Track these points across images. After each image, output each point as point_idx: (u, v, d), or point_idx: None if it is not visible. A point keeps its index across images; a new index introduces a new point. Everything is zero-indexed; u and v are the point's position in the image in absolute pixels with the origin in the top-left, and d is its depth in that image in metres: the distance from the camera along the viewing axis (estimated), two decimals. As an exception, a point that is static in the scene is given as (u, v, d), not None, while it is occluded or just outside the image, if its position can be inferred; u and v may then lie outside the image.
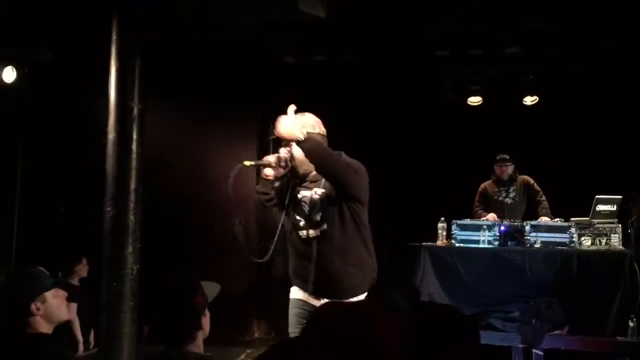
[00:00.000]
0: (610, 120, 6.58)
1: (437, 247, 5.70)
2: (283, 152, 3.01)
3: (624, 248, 5.34)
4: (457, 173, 6.74)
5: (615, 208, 5.45)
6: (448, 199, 6.39)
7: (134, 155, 3.91)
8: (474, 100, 6.87)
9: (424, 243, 5.76)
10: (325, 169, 2.91)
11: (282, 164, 3.00)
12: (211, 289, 2.21)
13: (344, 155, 3.09)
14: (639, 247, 5.40)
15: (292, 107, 2.94)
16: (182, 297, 2.12)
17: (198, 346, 2.08)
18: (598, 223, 5.45)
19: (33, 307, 2.29)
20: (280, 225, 3.04)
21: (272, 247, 3.00)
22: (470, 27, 5.44)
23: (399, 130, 7.08)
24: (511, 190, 6.25)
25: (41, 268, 2.44)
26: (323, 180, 3.01)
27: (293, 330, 3.09)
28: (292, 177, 3.09)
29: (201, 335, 2.11)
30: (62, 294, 2.43)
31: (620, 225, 5.41)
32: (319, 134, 3.03)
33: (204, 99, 6.22)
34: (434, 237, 5.78)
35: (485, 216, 6.03)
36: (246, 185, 3.16)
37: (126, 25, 3.93)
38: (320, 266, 2.98)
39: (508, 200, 6.22)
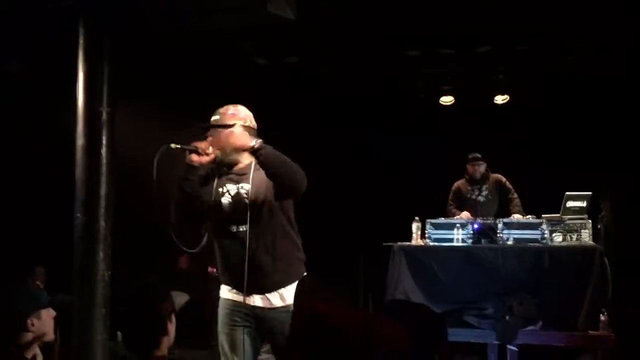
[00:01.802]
0: (579, 117, 6.69)
1: (411, 247, 5.73)
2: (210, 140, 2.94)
3: (594, 243, 5.43)
4: (430, 172, 6.79)
5: (585, 204, 5.54)
6: (422, 198, 6.44)
7: (104, 161, 3.83)
8: (446, 99, 6.92)
9: (398, 243, 5.78)
10: (279, 176, 2.83)
11: (209, 151, 2.92)
12: (180, 299, 2.19)
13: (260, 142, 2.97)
14: (609, 242, 5.51)
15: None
16: (149, 302, 2.10)
17: (162, 351, 2.06)
18: (569, 219, 5.53)
19: (29, 322, 2.25)
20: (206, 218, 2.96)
21: (205, 239, 2.95)
22: (441, 27, 5.48)
23: (373, 131, 7.10)
24: (484, 189, 6.31)
25: (38, 284, 2.42)
26: (251, 174, 2.95)
27: (222, 330, 3.03)
28: (218, 167, 3.02)
29: (166, 341, 2.09)
30: (52, 313, 2.40)
31: (590, 221, 5.50)
32: (249, 126, 2.98)
33: (174, 100, 6.16)
34: (409, 237, 5.82)
35: (458, 215, 6.08)
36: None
37: (94, 28, 3.85)
38: (250, 262, 2.89)
39: (481, 199, 6.28)
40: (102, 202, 3.85)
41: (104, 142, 3.84)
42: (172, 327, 2.15)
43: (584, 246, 5.41)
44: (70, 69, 3.89)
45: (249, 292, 2.96)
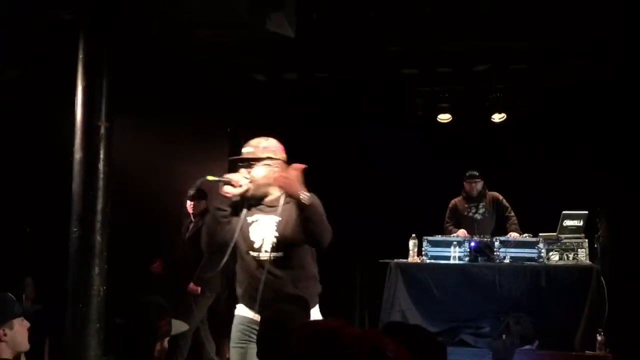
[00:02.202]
0: (576, 136, 6.71)
1: (408, 264, 5.73)
2: (244, 173, 3.04)
3: (591, 262, 5.43)
4: (428, 189, 6.80)
5: (581, 223, 5.55)
6: (419, 215, 6.44)
7: (101, 175, 3.86)
8: (444, 117, 6.95)
9: (395, 260, 5.78)
10: (311, 230, 2.91)
11: (242, 183, 3.01)
12: (178, 326, 2.19)
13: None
14: (606, 262, 5.50)
15: (300, 166, 2.95)
16: (147, 316, 2.09)
17: None
18: (565, 238, 5.54)
19: (0, 332, 2.24)
20: (232, 243, 3.05)
21: (224, 261, 3.03)
22: (438, 46, 5.52)
23: (371, 147, 7.11)
24: (480, 207, 6.32)
25: (10, 295, 2.40)
26: (280, 207, 3.06)
27: (235, 345, 3.14)
28: (250, 198, 3.11)
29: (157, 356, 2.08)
30: (26, 324, 2.39)
31: (587, 240, 5.51)
32: (279, 159, 3.09)
33: (173, 116, 6.17)
34: (406, 254, 5.81)
35: (455, 232, 6.08)
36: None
37: (93, 44, 3.89)
38: (271, 289, 3.02)
39: (478, 216, 6.28)
40: (99, 217, 3.86)
41: (102, 156, 3.86)
42: (162, 350, 2.14)
43: (581, 265, 5.41)
44: (66, 80, 3.92)
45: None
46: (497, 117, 6.88)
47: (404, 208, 6.81)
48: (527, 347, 5.22)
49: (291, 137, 6.76)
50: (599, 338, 5.02)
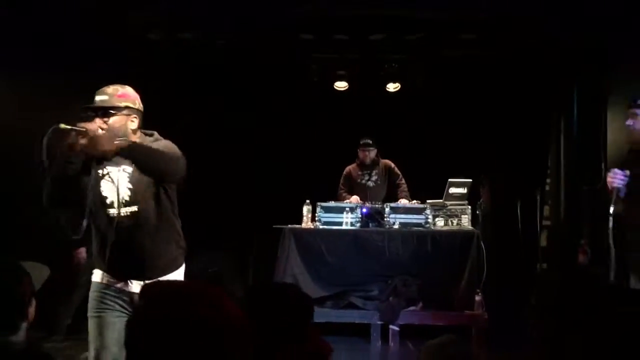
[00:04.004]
0: (464, 108, 7.00)
1: (301, 229, 5.79)
2: (99, 122, 2.78)
3: (472, 228, 5.73)
4: (322, 156, 6.87)
5: (465, 190, 5.82)
6: (313, 181, 6.50)
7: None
8: (341, 85, 7.00)
9: (289, 225, 5.82)
10: (147, 169, 2.81)
11: (99, 133, 2.75)
12: (38, 273, 2.04)
13: (157, 135, 2.97)
14: (486, 227, 5.83)
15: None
16: (5, 285, 1.94)
17: (22, 336, 1.92)
18: (450, 205, 5.80)
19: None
20: (87, 200, 2.81)
21: (85, 223, 2.79)
22: (335, 12, 5.51)
23: (266, 113, 7.06)
24: (373, 174, 6.46)
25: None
26: None
27: (91, 314, 2.91)
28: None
29: (25, 326, 1.95)
30: None
31: (469, 207, 5.79)
32: (138, 109, 2.89)
33: (50, 71, 5.74)
34: (300, 220, 5.86)
35: (348, 199, 6.20)
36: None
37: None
38: (128, 247, 2.83)
39: (370, 184, 6.43)
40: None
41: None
42: (32, 310, 2.01)
43: (463, 230, 5.70)
44: None
45: (126, 278, 2.87)
46: (392, 87, 7.02)
47: (299, 174, 6.85)
48: (412, 308, 5.46)
49: (183, 101, 6.61)
50: (477, 298, 5.34)
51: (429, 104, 7.09)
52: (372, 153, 6.43)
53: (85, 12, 5.14)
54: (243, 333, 1.18)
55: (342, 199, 6.25)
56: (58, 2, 4.87)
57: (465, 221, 5.77)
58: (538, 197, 6.18)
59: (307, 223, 5.84)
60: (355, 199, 6.16)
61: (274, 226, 5.87)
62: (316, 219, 5.84)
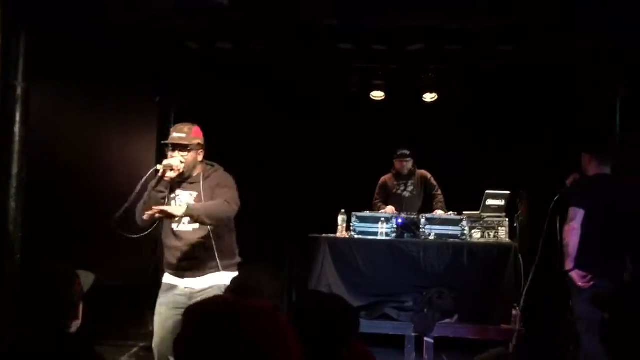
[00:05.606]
0: (503, 118, 6.91)
1: (336, 239, 5.79)
2: (178, 157, 3.40)
3: (510, 241, 5.65)
4: (358, 166, 6.86)
5: (503, 203, 5.75)
6: (349, 191, 6.50)
7: (17, 138, 3.67)
8: (377, 94, 7.00)
9: (324, 235, 5.82)
10: (207, 224, 3.39)
11: (180, 168, 3.42)
12: (85, 279, 2.11)
13: (217, 166, 3.59)
14: (524, 240, 5.73)
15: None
16: (59, 285, 2.01)
17: (73, 334, 1.99)
18: (487, 217, 5.73)
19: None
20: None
21: (149, 230, 3.38)
22: (375, 22, 5.51)
23: (303, 122, 7.09)
24: (409, 184, 6.44)
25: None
26: (200, 183, 3.47)
27: (162, 312, 3.51)
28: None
29: (75, 326, 2.02)
30: None
31: (507, 219, 5.72)
32: (203, 144, 3.51)
33: (99, 80, 5.92)
34: (335, 229, 5.86)
35: (384, 209, 6.18)
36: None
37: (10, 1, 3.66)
38: (188, 258, 3.46)
39: (406, 194, 6.41)
40: (14, 182, 3.68)
41: (18, 118, 3.67)
42: (80, 311, 2.09)
43: (501, 243, 5.62)
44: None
45: (183, 276, 3.52)
46: (429, 97, 6.98)
47: (335, 183, 6.86)
48: (447, 320, 5.40)
49: (224, 109, 6.69)
50: (514, 312, 5.25)
51: (466, 115, 7.02)
52: (409, 164, 6.41)
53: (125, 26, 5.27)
54: (293, 348, 1.18)
55: (377, 209, 6.24)
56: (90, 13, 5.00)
57: (503, 234, 5.69)
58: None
59: (342, 233, 5.84)
60: (390, 209, 6.14)
61: (309, 235, 5.89)
62: (351, 228, 5.84)
